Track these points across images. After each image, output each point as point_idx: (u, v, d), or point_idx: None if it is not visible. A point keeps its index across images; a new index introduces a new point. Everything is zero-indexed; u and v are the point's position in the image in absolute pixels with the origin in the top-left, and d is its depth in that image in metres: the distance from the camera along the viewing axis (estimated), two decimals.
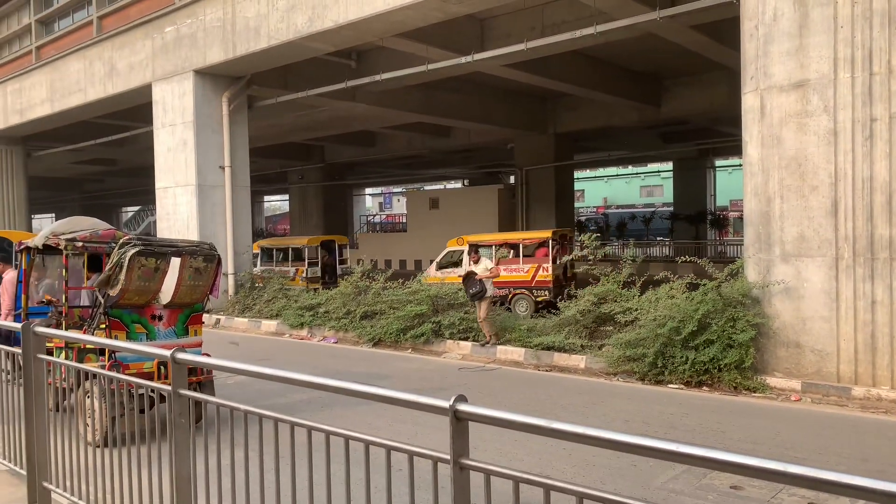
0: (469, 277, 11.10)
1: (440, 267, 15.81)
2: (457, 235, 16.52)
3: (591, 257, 10.84)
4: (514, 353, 10.41)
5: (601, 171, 50.09)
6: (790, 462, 1.99)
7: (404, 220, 41.62)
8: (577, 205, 46.11)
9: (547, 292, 13.96)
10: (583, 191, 53.37)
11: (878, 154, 7.62)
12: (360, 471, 2.60)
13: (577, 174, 39.52)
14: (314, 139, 30.69)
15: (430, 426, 5.86)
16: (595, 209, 52.28)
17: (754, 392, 7.88)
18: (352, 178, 41.81)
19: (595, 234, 11.73)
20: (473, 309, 11.38)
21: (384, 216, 55.34)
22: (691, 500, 4.73)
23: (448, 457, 2.36)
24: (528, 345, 10.37)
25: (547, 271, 14.04)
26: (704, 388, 8.16)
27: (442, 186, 49.94)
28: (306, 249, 18.38)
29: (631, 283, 10.30)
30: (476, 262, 11.45)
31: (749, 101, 8.66)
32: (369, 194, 58.72)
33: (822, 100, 7.95)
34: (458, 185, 47.81)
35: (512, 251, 14.85)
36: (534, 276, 14.09)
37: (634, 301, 9.59)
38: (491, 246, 14.94)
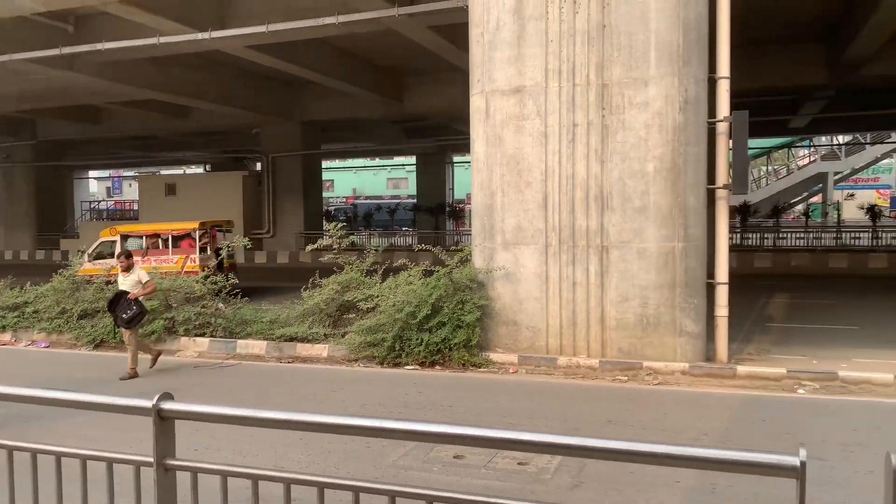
0: (119, 299, 8.56)
1: (94, 258, 15.62)
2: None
3: (335, 246, 10.92)
4: (255, 346, 10.11)
5: (350, 162, 50.83)
6: (505, 428, 2.25)
7: (136, 208, 38.02)
8: (326, 195, 46.16)
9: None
10: (332, 181, 53.64)
11: (579, 155, 8.76)
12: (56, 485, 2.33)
13: (326, 164, 39.60)
14: (23, 112, 26.53)
15: None
16: (345, 199, 52.91)
17: (479, 368, 8.63)
18: (72, 159, 36.99)
19: (341, 224, 11.85)
20: (206, 304, 10.76)
21: (112, 202, 50.08)
22: (418, 473, 5.03)
23: (152, 459, 2.22)
24: (270, 337, 10.14)
25: (195, 262, 14.87)
26: (437, 367, 8.72)
27: (182, 171, 46.58)
28: None
29: (374, 272, 10.62)
30: (126, 270, 8.78)
31: (476, 103, 9.39)
32: (94, 178, 52.51)
33: (536, 105, 8.91)
34: (201, 170, 44.99)
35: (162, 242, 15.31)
36: (182, 267, 14.71)
37: (376, 288, 9.89)
38: (142, 237, 15.64)
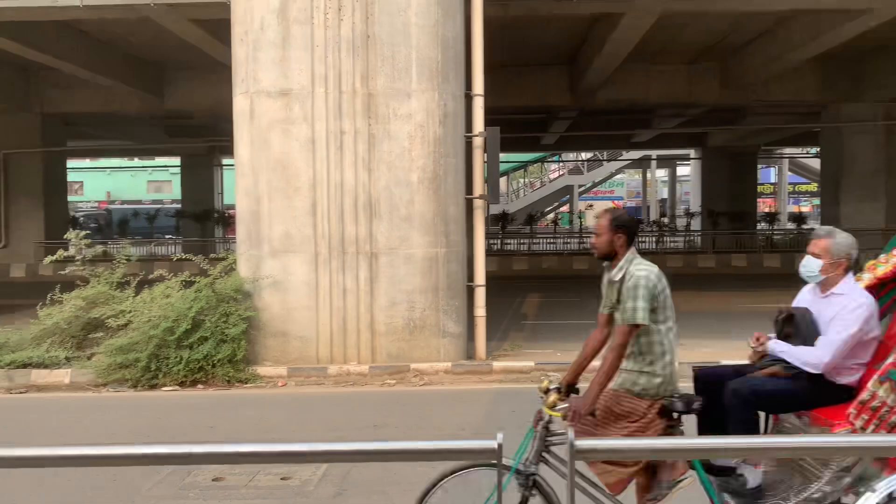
0: None
1: None
2: None
3: (78, 257, 9.76)
4: None
5: (103, 162, 45.93)
6: (269, 442, 2.17)
7: None
8: (74, 198, 41.31)
9: None
10: (82, 183, 48.08)
11: (347, 163, 8.80)
12: None
13: (73, 163, 35.36)
14: None
15: None
16: (97, 204, 47.64)
17: (246, 383, 8.26)
18: None
19: (84, 233, 10.62)
20: None
21: None
22: (173, 502, 4.67)
23: None
24: None
25: None
26: (199, 385, 8.18)
27: None
28: None
29: (126, 284, 9.67)
30: None
31: (240, 104, 9.01)
32: None
33: (303, 109, 8.77)
34: None
35: None
36: None
37: (128, 303, 9.01)
38: None
